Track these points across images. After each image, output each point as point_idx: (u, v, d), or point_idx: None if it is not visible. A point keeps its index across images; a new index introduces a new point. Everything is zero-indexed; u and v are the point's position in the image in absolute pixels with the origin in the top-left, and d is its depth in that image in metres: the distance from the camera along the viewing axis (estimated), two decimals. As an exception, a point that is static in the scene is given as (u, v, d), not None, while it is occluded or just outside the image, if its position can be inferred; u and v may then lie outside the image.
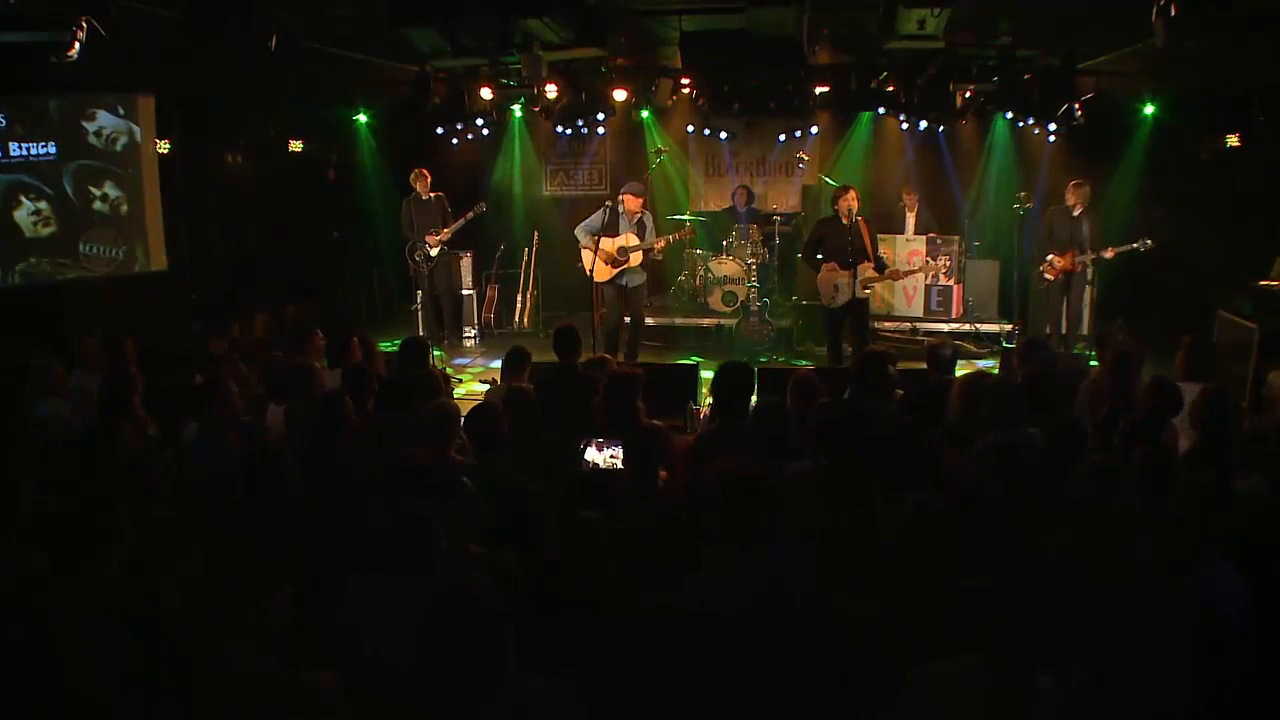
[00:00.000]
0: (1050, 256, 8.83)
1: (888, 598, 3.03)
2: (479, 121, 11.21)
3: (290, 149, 11.36)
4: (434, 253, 9.88)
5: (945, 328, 10.27)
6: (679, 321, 10.73)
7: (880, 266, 8.39)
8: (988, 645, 2.48)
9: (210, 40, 6.03)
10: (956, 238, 10.55)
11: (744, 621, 3.02)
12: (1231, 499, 3.44)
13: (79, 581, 3.01)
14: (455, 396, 6.92)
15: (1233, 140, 9.57)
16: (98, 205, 9.11)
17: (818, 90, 10.43)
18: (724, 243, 10.92)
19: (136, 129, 9.27)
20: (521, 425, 4.83)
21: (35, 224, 8.70)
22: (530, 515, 4.01)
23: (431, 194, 9.92)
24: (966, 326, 10.28)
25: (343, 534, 3.53)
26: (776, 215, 10.21)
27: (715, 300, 10.79)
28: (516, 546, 3.69)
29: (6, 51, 6.46)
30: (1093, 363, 7.79)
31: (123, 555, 3.21)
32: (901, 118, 10.97)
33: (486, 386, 7.53)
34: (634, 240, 8.58)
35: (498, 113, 11.29)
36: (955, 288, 10.48)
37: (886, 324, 10.37)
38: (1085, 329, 9.34)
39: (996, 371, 7.89)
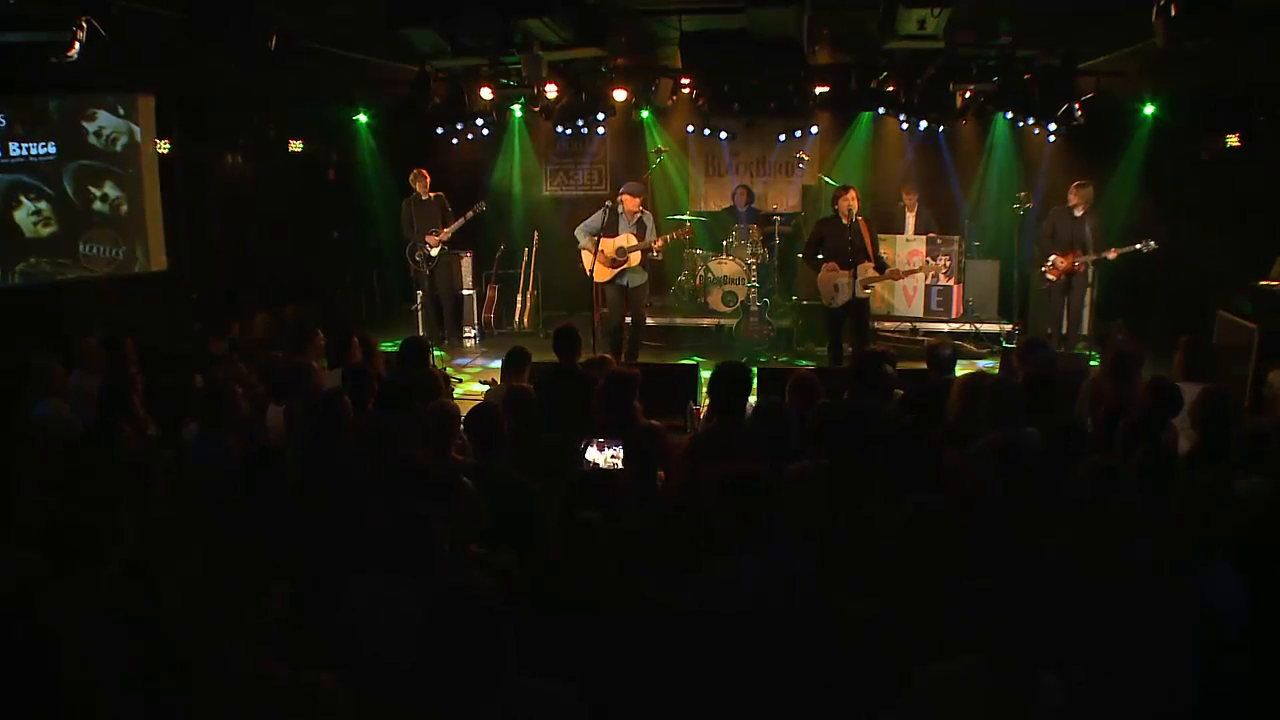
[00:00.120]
0: (1053, 257, 8.82)
1: (888, 598, 3.03)
2: (479, 121, 11.21)
3: (290, 149, 11.37)
4: (434, 253, 9.88)
5: (945, 328, 10.27)
6: (679, 321, 10.73)
7: (880, 266, 8.39)
8: (988, 645, 2.48)
9: (210, 40, 6.03)
10: (956, 238, 10.55)
11: (744, 621, 3.02)
12: (1231, 499, 3.44)
13: (79, 581, 3.01)
14: (454, 396, 6.92)
15: (1233, 140, 9.57)
16: (98, 205, 9.11)
17: (818, 90, 10.43)
18: (724, 243, 10.93)
19: (136, 129, 9.27)
20: (521, 425, 4.83)
21: (35, 224, 8.70)
22: (530, 515, 4.01)
23: (431, 194, 9.93)
24: (966, 326, 10.28)
25: (343, 534, 3.53)
26: (776, 215, 10.21)
27: (715, 300, 10.79)
28: (516, 546, 3.69)
29: (6, 51, 6.45)
30: (1093, 362, 7.80)
31: (123, 555, 3.21)
32: (901, 118, 10.97)
33: (486, 386, 7.52)
34: (632, 240, 8.59)
35: (498, 113, 11.29)
36: (955, 288, 10.48)
37: (886, 324, 10.37)
38: (1085, 329, 9.34)
39: (996, 371, 7.90)
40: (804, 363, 9.04)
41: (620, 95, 10.65)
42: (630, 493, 4.05)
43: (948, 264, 10.12)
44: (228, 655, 2.48)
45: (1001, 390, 4.63)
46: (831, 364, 8.34)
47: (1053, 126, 10.41)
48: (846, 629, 2.96)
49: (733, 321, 10.23)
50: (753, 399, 5.37)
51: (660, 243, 8.73)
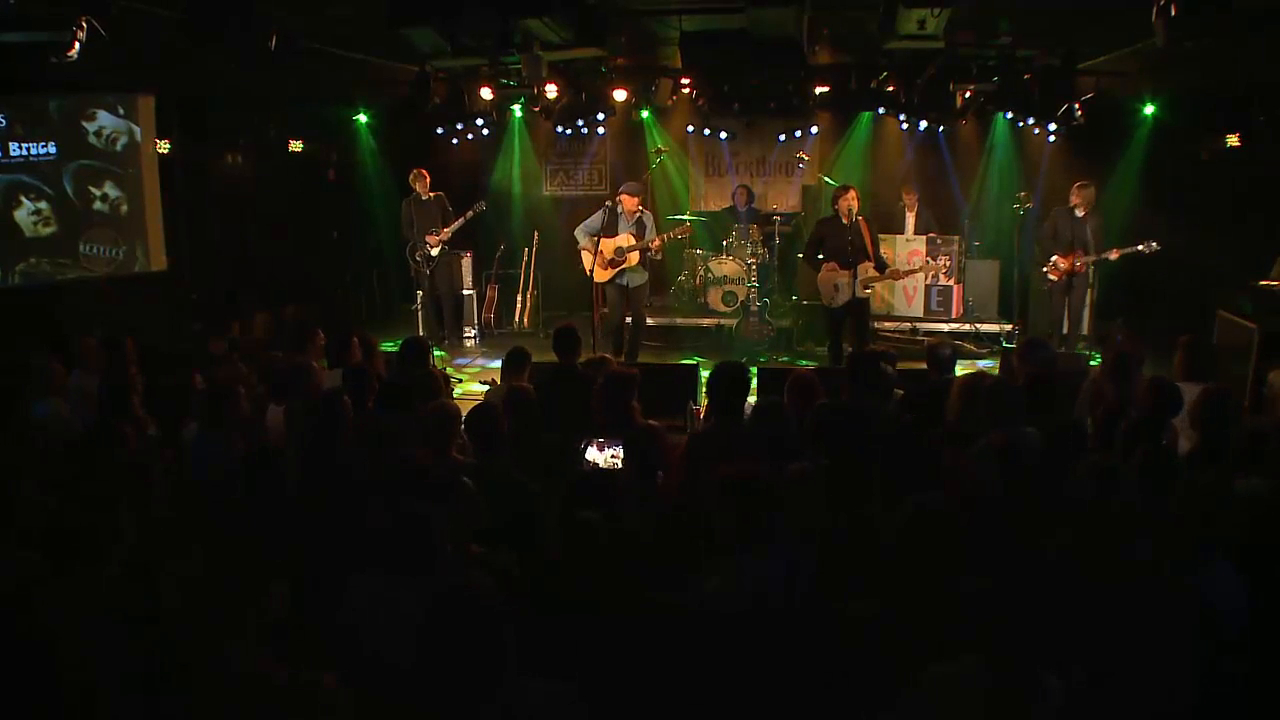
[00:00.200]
0: (1054, 257, 8.82)
1: (888, 598, 3.03)
2: (479, 121, 11.21)
3: (290, 149, 11.37)
4: (434, 253, 9.88)
5: (945, 328, 10.27)
6: (679, 321, 10.73)
7: (881, 266, 8.39)
8: (988, 645, 2.48)
9: (210, 40, 6.03)
10: (956, 238, 10.54)
11: (744, 621, 3.02)
12: (1231, 499, 3.44)
13: (79, 581, 3.01)
14: (454, 396, 6.92)
15: (1233, 140, 9.57)
16: (98, 205, 9.11)
17: (818, 90, 10.43)
18: (724, 243, 10.93)
19: (136, 129, 9.27)
20: (521, 425, 4.84)
21: (35, 224, 8.71)
22: (530, 515, 4.01)
23: (431, 194, 9.92)
24: (966, 326, 10.28)
25: (343, 534, 3.53)
26: (776, 215, 10.21)
27: (715, 300, 10.79)
28: (516, 546, 3.69)
29: (6, 51, 6.46)
30: (1093, 362, 7.80)
31: (123, 555, 3.21)
32: (901, 118, 10.97)
33: (486, 386, 7.53)
34: (631, 240, 8.61)
35: (498, 113, 11.29)
36: (955, 288, 10.48)
37: (886, 324, 10.37)
38: (1085, 329, 9.34)
39: (996, 372, 7.90)
40: (805, 363, 9.03)
41: (620, 95, 10.65)
42: (630, 493, 4.05)
43: (948, 264, 10.12)
44: (228, 655, 2.48)
45: (1001, 390, 4.63)
46: (832, 364, 8.33)
47: (1053, 126, 10.41)
48: (846, 629, 2.96)
49: (733, 321, 10.22)
50: (752, 399, 5.37)
51: (658, 242, 8.74)
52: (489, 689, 2.30)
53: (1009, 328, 10.12)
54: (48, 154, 8.68)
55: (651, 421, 4.77)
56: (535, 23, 7.19)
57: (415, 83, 9.47)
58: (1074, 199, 8.76)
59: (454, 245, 10.15)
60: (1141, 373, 5.23)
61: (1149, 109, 10.29)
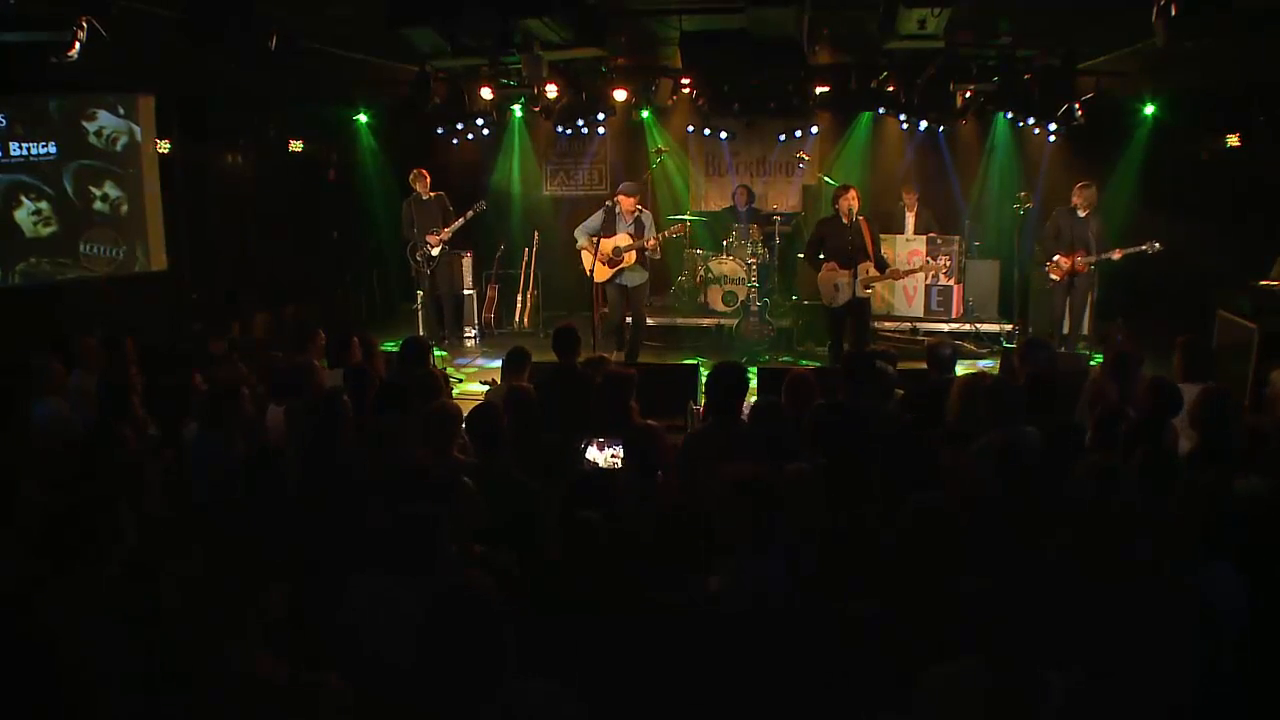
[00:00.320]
0: (1056, 256, 8.82)
1: (888, 598, 3.03)
2: (479, 121, 11.21)
3: (290, 149, 11.36)
4: (435, 252, 9.88)
5: (945, 328, 10.27)
6: (679, 321, 10.73)
7: (881, 266, 8.39)
8: (988, 645, 2.48)
9: (210, 40, 6.03)
10: (956, 238, 10.54)
11: (744, 621, 3.02)
12: (1231, 499, 3.44)
13: (79, 581, 3.01)
14: (453, 396, 6.92)
15: (1233, 140, 9.56)
16: (98, 205, 9.11)
17: (818, 90, 10.43)
18: (724, 242, 10.93)
19: (137, 129, 9.27)
20: (522, 425, 4.84)
21: (35, 224, 8.70)
22: (530, 515, 4.01)
23: (432, 194, 9.92)
24: (966, 326, 10.28)
25: (343, 534, 3.53)
26: (777, 215, 10.20)
27: (715, 300, 10.80)
28: (516, 546, 3.69)
29: (6, 51, 6.46)
30: (1093, 362, 7.79)
31: (123, 555, 3.21)
32: (901, 118, 10.97)
33: (486, 386, 7.53)
34: (628, 240, 8.63)
35: (498, 113, 11.30)
36: (955, 288, 10.48)
37: (887, 324, 10.37)
38: (1085, 329, 9.34)
39: (996, 372, 7.89)
40: (806, 362, 9.03)
41: (620, 95, 10.65)
42: (630, 492, 4.05)
43: (948, 264, 10.12)
44: (228, 655, 2.48)
45: (1001, 390, 4.63)
46: (832, 364, 8.33)
47: (1053, 126, 10.40)
48: (846, 629, 2.96)
49: (733, 321, 10.22)
50: (753, 399, 5.38)
51: (653, 241, 8.74)
52: (489, 689, 2.29)
53: (1009, 328, 10.12)
54: (48, 154, 8.68)
55: (650, 421, 4.77)
56: (535, 23, 7.19)
57: (415, 83, 9.47)
58: (1075, 199, 8.76)
59: (454, 245, 10.15)
60: (1142, 372, 5.23)
61: (1149, 109, 10.29)
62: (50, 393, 5.38)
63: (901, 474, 3.94)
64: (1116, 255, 8.61)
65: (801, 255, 9.56)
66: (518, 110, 11.78)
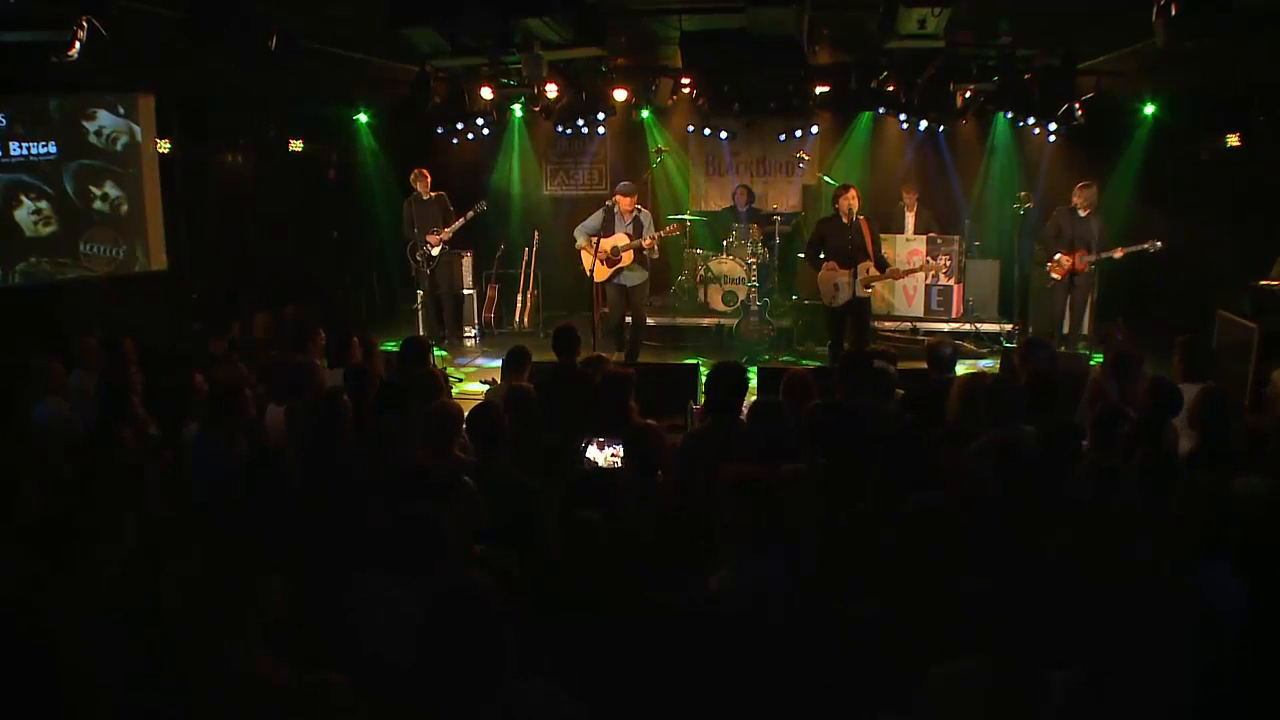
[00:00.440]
0: (1058, 256, 8.82)
1: (888, 598, 3.03)
2: (479, 121, 11.21)
3: (290, 149, 11.37)
4: (435, 252, 9.88)
5: (945, 327, 10.27)
6: (679, 321, 10.74)
7: (881, 265, 8.39)
8: (988, 645, 2.48)
9: (210, 40, 6.03)
10: (956, 237, 10.55)
11: (744, 621, 3.02)
12: (1231, 499, 3.44)
13: (79, 581, 3.01)
14: (452, 396, 6.92)
15: (1233, 140, 9.56)
16: (98, 205, 9.11)
17: (818, 90, 10.42)
18: (724, 242, 10.93)
19: (137, 129, 9.27)
20: (522, 425, 4.84)
21: (35, 223, 8.71)
22: (530, 515, 4.01)
23: (432, 193, 9.92)
24: (966, 326, 10.29)
25: (343, 534, 3.53)
26: (777, 215, 10.21)
27: (715, 300, 10.80)
28: (516, 546, 3.69)
29: (6, 51, 6.45)
30: (1092, 362, 7.79)
31: (123, 555, 3.21)
32: (901, 117, 10.97)
33: (486, 386, 7.53)
34: (624, 240, 8.65)
35: (498, 112, 11.29)
36: (955, 287, 10.48)
37: (887, 324, 10.37)
38: (1085, 329, 9.35)
39: (997, 371, 7.90)
40: (808, 362, 9.03)
41: (620, 95, 10.64)
42: (630, 492, 4.05)
43: (948, 264, 10.12)
44: (228, 655, 2.48)
45: (1000, 390, 4.63)
46: (832, 364, 8.33)
47: (1053, 126, 10.41)
48: (846, 629, 2.96)
49: (733, 321, 10.23)
50: (752, 398, 5.37)
51: (649, 240, 8.75)
52: (489, 689, 2.30)
53: (1009, 327, 10.13)
54: (48, 153, 8.69)
55: (650, 421, 4.77)
56: (535, 22, 7.19)
57: (415, 83, 9.47)
58: (1076, 199, 8.75)
59: (454, 245, 10.15)
60: (1144, 371, 5.23)
61: (1149, 109, 10.29)
62: (50, 393, 5.38)
63: (901, 474, 3.94)
64: (1118, 254, 8.61)
65: (802, 255, 9.57)
66: (518, 110, 11.78)
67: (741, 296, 10.27)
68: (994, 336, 10.16)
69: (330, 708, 2.39)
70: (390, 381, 5.36)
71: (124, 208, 9.27)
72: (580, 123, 11.30)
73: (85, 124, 8.97)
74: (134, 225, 9.34)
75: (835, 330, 8.63)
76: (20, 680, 2.56)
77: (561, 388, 5.71)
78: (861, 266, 8.27)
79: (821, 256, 8.45)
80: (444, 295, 10.23)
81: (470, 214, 9.87)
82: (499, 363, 6.51)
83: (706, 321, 10.61)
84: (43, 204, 8.71)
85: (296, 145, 11.40)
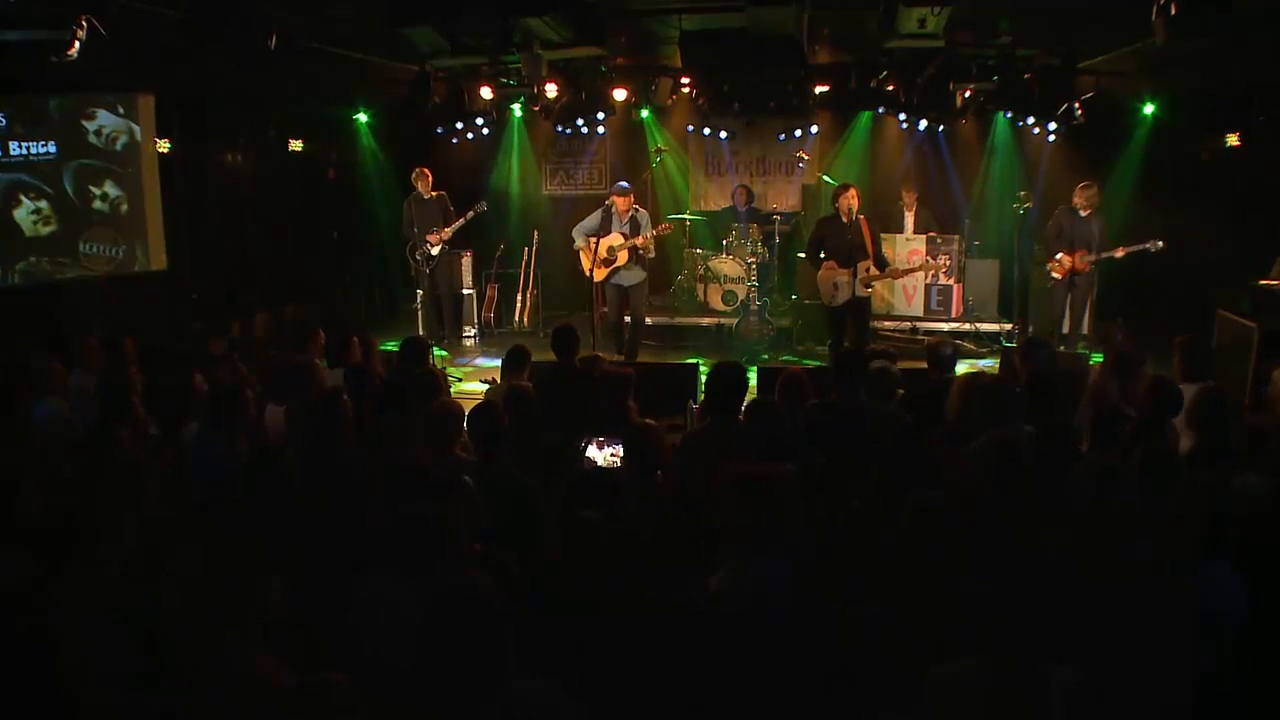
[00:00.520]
0: (1059, 255, 8.82)
1: (888, 598, 3.03)
2: (479, 121, 11.20)
3: (290, 149, 11.37)
4: (435, 252, 9.88)
5: (945, 327, 10.27)
6: (679, 321, 10.74)
7: (881, 264, 8.39)
8: (988, 645, 2.48)
9: (210, 40, 6.03)
10: (956, 237, 10.55)
11: (744, 621, 3.02)
12: (1231, 499, 3.44)
13: (79, 581, 3.01)
14: (451, 395, 6.92)
15: (1233, 140, 9.57)
16: (98, 204, 9.11)
17: (817, 89, 10.42)
18: (724, 242, 10.93)
19: (136, 128, 9.27)
20: (522, 424, 4.84)
21: (35, 223, 8.70)
22: (530, 515, 4.01)
23: (433, 193, 9.92)
24: (966, 326, 10.29)
25: (343, 534, 3.53)
26: (776, 214, 10.20)
27: (715, 299, 10.80)
28: (516, 546, 3.69)
29: (6, 51, 6.45)
30: (1092, 362, 7.79)
31: (122, 555, 3.21)
32: (901, 117, 10.96)
33: (486, 385, 7.53)
34: (620, 240, 8.66)
35: (498, 112, 11.29)
36: (955, 287, 10.48)
37: (886, 323, 10.37)
38: (1085, 329, 9.35)
39: (997, 371, 7.90)
40: (809, 362, 9.03)
41: (620, 94, 10.64)
42: (630, 491, 4.05)
43: (948, 263, 10.12)
44: (228, 655, 2.48)
45: (998, 390, 4.63)
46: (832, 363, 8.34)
47: (1053, 126, 10.39)
48: (846, 629, 2.96)
49: (733, 321, 10.22)
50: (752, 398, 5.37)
51: (643, 240, 8.76)
52: (489, 689, 2.29)
53: (1009, 327, 10.13)
54: (48, 153, 8.68)
55: (649, 420, 4.77)
56: (535, 22, 7.19)
57: (415, 82, 9.47)
58: (1077, 199, 8.75)
59: (454, 244, 10.14)
60: (1145, 371, 5.23)
61: (1149, 109, 10.29)
62: (50, 393, 5.38)
63: (901, 474, 3.94)
64: (1119, 253, 8.61)
65: (801, 255, 9.57)
66: (517, 110, 11.78)
67: (741, 296, 10.27)
68: (994, 336, 10.16)
69: (330, 708, 2.38)
70: (390, 381, 5.36)
71: (124, 207, 9.27)
72: (580, 122, 11.29)
73: (85, 124, 8.96)
74: (134, 225, 9.33)
75: (835, 330, 8.63)
76: (20, 680, 2.56)
77: (561, 387, 5.71)
78: (861, 266, 8.27)
79: (821, 256, 8.45)
80: (444, 295, 10.22)
81: (470, 214, 9.86)
82: (498, 362, 6.51)
83: (706, 321, 10.61)
84: (42, 204, 8.71)
85: (296, 145, 11.40)
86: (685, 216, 11.39)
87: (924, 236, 10.48)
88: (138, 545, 3.31)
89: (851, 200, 8.24)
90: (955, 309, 10.52)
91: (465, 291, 10.83)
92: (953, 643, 2.56)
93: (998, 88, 9.63)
